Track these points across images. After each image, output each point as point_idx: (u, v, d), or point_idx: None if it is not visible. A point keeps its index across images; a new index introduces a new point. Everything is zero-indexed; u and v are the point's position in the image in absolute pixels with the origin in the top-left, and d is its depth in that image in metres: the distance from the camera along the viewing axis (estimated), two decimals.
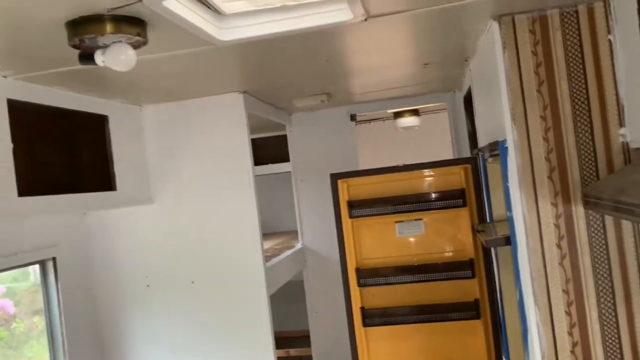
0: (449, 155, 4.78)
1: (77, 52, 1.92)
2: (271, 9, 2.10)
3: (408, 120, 5.32)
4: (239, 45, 2.27)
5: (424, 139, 6.00)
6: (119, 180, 3.20)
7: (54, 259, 3.28)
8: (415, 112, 5.34)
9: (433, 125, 5.69)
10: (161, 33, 1.96)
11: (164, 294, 3.54)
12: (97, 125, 3.19)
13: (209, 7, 2.03)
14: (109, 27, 1.74)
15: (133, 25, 1.79)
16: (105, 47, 1.84)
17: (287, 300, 5.02)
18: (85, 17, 1.73)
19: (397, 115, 5.40)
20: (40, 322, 3.45)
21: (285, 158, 5.09)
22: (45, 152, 2.85)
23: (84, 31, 1.75)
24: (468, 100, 4.12)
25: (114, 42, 1.83)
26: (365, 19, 2.09)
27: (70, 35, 1.78)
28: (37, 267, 3.29)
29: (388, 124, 5.79)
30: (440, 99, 4.58)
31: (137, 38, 1.81)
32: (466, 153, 4.33)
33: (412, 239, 3.50)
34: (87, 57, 1.85)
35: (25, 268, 3.33)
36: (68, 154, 3.18)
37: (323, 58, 2.79)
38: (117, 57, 1.79)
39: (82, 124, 3.18)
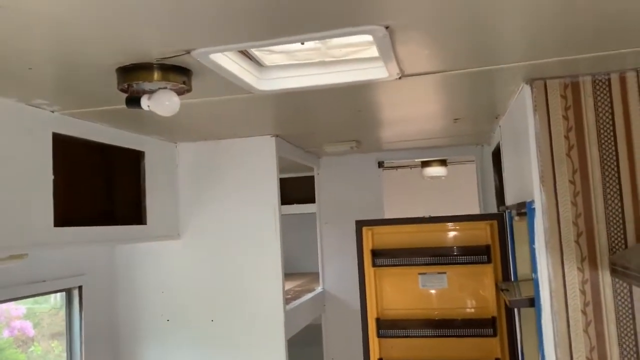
0: (474, 207, 4.77)
1: (123, 93, 2.03)
2: (309, 64, 2.19)
3: (435, 170, 5.34)
4: (274, 95, 2.36)
5: (450, 189, 5.99)
6: (149, 215, 3.28)
7: (80, 287, 3.35)
8: (443, 162, 5.37)
9: (460, 176, 5.69)
10: (204, 81, 2.06)
11: (183, 330, 3.56)
12: (133, 159, 3.30)
13: (250, 59, 2.13)
14: (156, 75, 1.84)
15: (179, 73, 1.88)
16: (151, 92, 1.93)
17: (304, 343, 4.97)
18: (136, 64, 1.83)
19: (425, 164, 5.43)
20: (57, 346, 3.49)
21: (311, 199, 5.14)
22: (82, 184, 2.96)
23: (133, 77, 1.85)
24: (496, 156, 4.14)
25: (160, 89, 1.92)
26: (400, 78, 2.16)
27: (119, 80, 1.88)
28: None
29: (415, 172, 5.82)
30: (468, 152, 4.60)
31: (182, 86, 1.91)
32: (492, 207, 4.31)
33: (434, 292, 3.48)
34: (133, 101, 1.95)
35: None
36: (104, 187, 3.29)
37: (355, 109, 2.86)
38: (162, 103, 1.88)
39: (119, 158, 3.29)
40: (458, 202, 5.20)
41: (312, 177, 4.94)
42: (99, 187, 3.28)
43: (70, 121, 2.65)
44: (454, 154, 4.69)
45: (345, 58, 2.15)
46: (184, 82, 1.89)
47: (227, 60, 1.92)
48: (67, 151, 2.77)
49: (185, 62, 1.86)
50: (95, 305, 3.46)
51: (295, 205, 5.71)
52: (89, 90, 2.22)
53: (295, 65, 2.20)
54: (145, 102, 1.91)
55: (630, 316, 2.23)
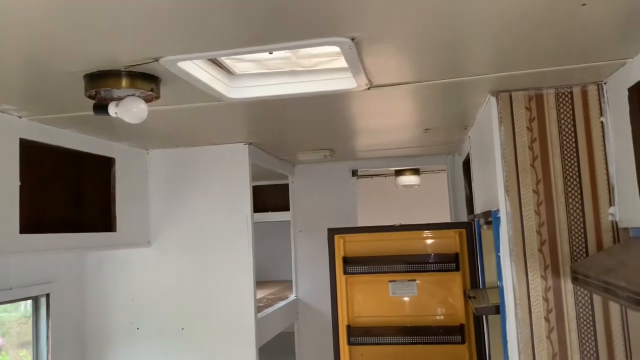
0: (446, 215, 4.83)
1: (91, 101, 2.02)
2: (279, 72, 2.21)
3: (409, 179, 5.40)
4: (246, 103, 2.37)
5: (423, 197, 6.06)
6: (119, 222, 3.25)
7: (47, 295, 3.30)
8: (416, 171, 5.44)
9: (433, 184, 5.76)
10: (173, 88, 2.06)
11: (153, 338, 3.53)
12: (103, 166, 3.27)
13: (220, 67, 2.14)
14: (124, 82, 1.84)
15: (147, 81, 1.89)
16: (119, 99, 1.93)
17: (277, 351, 4.97)
18: (104, 71, 1.83)
19: (398, 172, 5.49)
20: (26, 355, 3.43)
21: (285, 207, 5.15)
22: (49, 190, 2.92)
23: (100, 84, 1.85)
24: (467, 165, 4.21)
25: (128, 95, 1.92)
26: (369, 88, 2.19)
27: (87, 86, 1.88)
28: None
29: (390, 180, 5.87)
30: (440, 161, 4.67)
31: (150, 93, 1.91)
32: (463, 216, 4.38)
33: (405, 300, 3.51)
34: (101, 107, 1.95)
35: None
36: (72, 194, 3.25)
37: (327, 118, 2.89)
38: (130, 110, 1.88)
39: (88, 164, 3.26)
40: (431, 210, 5.27)
41: (287, 185, 4.95)
42: (68, 193, 3.24)
43: (38, 127, 2.62)
44: (426, 163, 4.75)
45: (315, 68, 2.18)
46: (152, 90, 1.90)
47: (196, 68, 1.93)
48: (35, 157, 2.74)
49: (153, 69, 1.86)
50: (63, 314, 3.41)
51: (269, 213, 5.71)
52: (57, 96, 2.20)
53: (265, 74, 2.22)
54: (112, 109, 1.91)
55: (591, 323, 2.29)
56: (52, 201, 3.10)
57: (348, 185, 4.76)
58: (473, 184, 3.52)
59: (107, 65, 1.80)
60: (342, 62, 2.13)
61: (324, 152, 3.87)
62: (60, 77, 1.91)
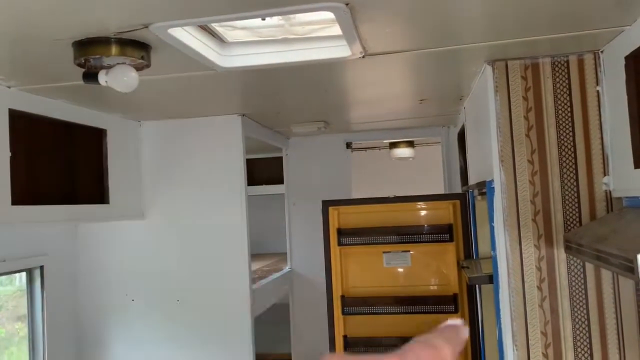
0: (440, 187, 4.84)
1: (81, 69, 1.98)
2: (272, 41, 2.18)
3: (403, 151, 5.39)
4: (239, 72, 2.34)
5: (417, 169, 6.07)
6: (112, 194, 3.23)
7: (41, 267, 3.30)
8: (410, 144, 5.42)
9: (427, 156, 5.76)
10: (164, 57, 2.02)
11: (148, 310, 3.55)
12: (95, 138, 3.23)
13: (212, 35, 2.10)
14: (114, 50, 1.80)
15: (137, 48, 1.85)
16: (109, 67, 1.89)
17: (271, 322, 5.02)
18: (92, 38, 1.79)
19: (393, 145, 5.47)
20: (22, 328, 3.44)
21: (279, 180, 5.14)
22: (41, 162, 2.90)
23: (89, 52, 1.81)
24: (462, 137, 4.20)
25: (118, 64, 1.89)
26: (363, 57, 2.16)
27: (76, 54, 1.84)
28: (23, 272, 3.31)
29: (384, 153, 5.86)
30: (435, 133, 4.66)
31: (141, 61, 1.87)
32: (457, 187, 4.39)
33: (398, 270, 3.53)
34: (90, 76, 1.91)
35: None
36: (64, 165, 3.23)
37: (322, 88, 2.86)
38: (120, 78, 1.85)
39: (80, 136, 3.23)
40: (425, 182, 5.26)
41: (281, 158, 4.93)
42: (61, 165, 3.21)
43: (28, 97, 2.58)
44: (421, 135, 4.74)
45: (308, 36, 2.14)
46: (142, 57, 1.86)
47: (187, 36, 1.89)
48: (26, 129, 2.71)
49: (143, 36, 1.82)
50: (58, 286, 3.42)
51: (263, 186, 5.70)
52: (46, 65, 2.16)
53: (257, 42, 2.18)
54: (102, 77, 1.87)
55: (583, 292, 2.31)
56: (45, 173, 3.07)
57: (342, 158, 4.74)
58: (467, 155, 3.51)
59: (96, 32, 1.76)
60: (336, 30, 2.10)
61: (318, 124, 3.84)
62: (48, 45, 1.87)
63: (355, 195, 4.72)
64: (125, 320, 3.56)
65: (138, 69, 1.91)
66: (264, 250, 5.91)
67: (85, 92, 2.62)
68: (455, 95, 3.25)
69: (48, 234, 3.41)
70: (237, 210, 3.45)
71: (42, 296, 3.31)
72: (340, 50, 2.12)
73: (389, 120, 4.20)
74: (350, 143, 4.72)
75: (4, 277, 3.44)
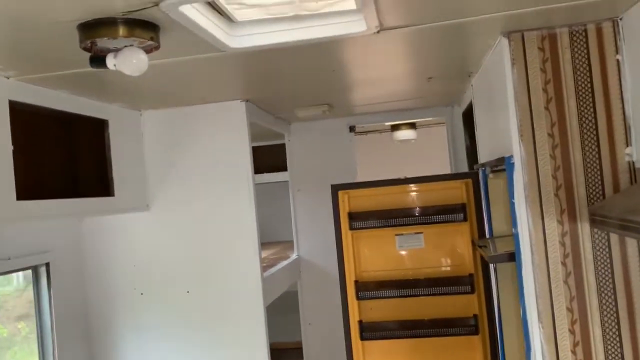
0: (444, 169, 4.79)
1: (85, 55, 1.89)
2: (283, 18, 2.09)
3: (405, 134, 5.33)
4: (246, 53, 2.25)
5: (420, 151, 6.01)
6: (117, 186, 3.15)
7: (47, 264, 3.22)
8: (412, 126, 5.36)
9: (429, 139, 5.71)
10: (173, 38, 1.93)
11: (158, 303, 3.48)
12: (97, 129, 3.15)
13: (221, 14, 2.01)
14: (121, 31, 1.72)
15: (147, 29, 1.76)
16: (116, 50, 1.81)
17: (280, 311, 4.96)
18: (99, 19, 1.70)
19: (395, 128, 5.41)
20: (24, 327, 3.38)
21: (281, 167, 5.06)
22: (44, 156, 2.81)
23: (96, 34, 1.72)
24: (467, 116, 4.14)
25: (126, 46, 1.80)
26: (378, 32, 2.09)
27: (82, 37, 1.75)
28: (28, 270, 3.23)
29: (385, 136, 5.79)
30: (439, 113, 4.59)
31: (150, 42, 1.79)
32: (463, 168, 4.33)
33: (412, 252, 3.48)
34: (98, 60, 1.82)
35: None
36: (67, 158, 3.14)
37: (330, 69, 2.78)
38: (129, 61, 1.76)
39: (81, 128, 3.14)
40: (428, 164, 5.21)
41: (281, 145, 4.86)
42: (63, 158, 3.13)
43: (28, 88, 2.49)
44: (425, 115, 4.67)
45: (320, 11, 2.06)
46: (152, 39, 1.77)
47: (198, 14, 1.81)
48: (27, 121, 2.62)
49: (152, 16, 1.73)
50: (64, 282, 3.34)
51: (264, 175, 5.63)
52: (48, 52, 2.06)
53: (267, 21, 2.10)
54: (110, 60, 1.79)
55: (609, 265, 2.27)
56: (48, 167, 2.99)
57: (346, 142, 4.67)
58: (477, 133, 3.45)
59: (103, 13, 1.67)
60: (349, 4, 2.02)
61: (323, 107, 3.77)
62: (50, 29, 1.78)
63: (360, 179, 4.65)
64: (134, 314, 3.50)
65: (147, 51, 1.83)
66: (269, 239, 5.84)
67: (86, 80, 2.54)
68: (464, 72, 3.18)
69: (52, 230, 3.33)
70: (245, 197, 3.38)
71: (49, 293, 3.23)
72: (354, 26, 2.04)
73: (393, 102, 4.13)
74: (354, 127, 4.64)
75: (2, 278, 3.37)
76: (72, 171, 3.17)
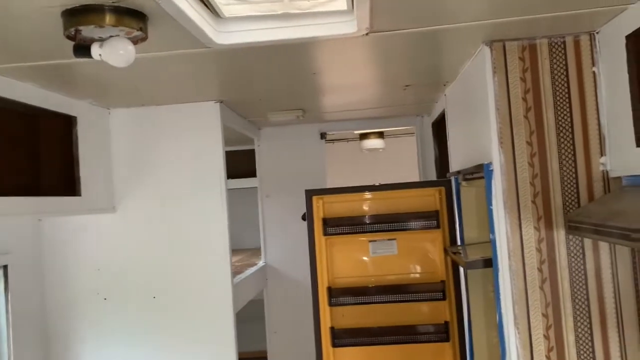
0: (412, 177, 4.83)
1: (65, 45, 1.81)
2: (272, 16, 2.06)
3: (373, 142, 5.37)
4: (229, 51, 2.21)
5: (388, 161, 6.06)
6: (84, 186, 3.02)
7: (4, 267, 3.05)
8: (380, 135, 5.40)
9: (397, 148, 5.76)
10: (158, 31, 1.87)
11: (122, 308, 3.35)
12: (62, 126, 3.01)
13: (209, 9, 1.96)
14: (109, 19, 1.65)
15: (135, 18, 1.69)
16: (101, 40, 1.73)
17: (245, 319, 4.87)
18: (86, 5, 1.62)
19: (363, 136, 5.43)
20: None
21: (245, 174, 4.98)
22: (4, 151, 2.66)
23: (82, 21, 1.64)
24: (437, 126, 4.19)
25: (112, 36, 1.73)
26: (367, 34, 2.08)
27: (66, 24, 1.67)
28: None
29: (352, 145, 5.81)
30: (409, 123, 4.64)
31: (138, 33, 1.72)
32: (432, 176, 4.38)
33: (385, 259, 3.48)
34: (82, 49, 1.74)
35: None
36: (29, 156, 2.99)
37: (311, 71, 2.75)
38: (116, 51, 1.69)
39: (45, 124, 3.00)
40: (396, 173, 5.25)
41: (248, 151, 4.79)
42: (24, 155, 2.97)
43: None
44: (395, 125, 4.71)
45: (310, 11, 2.04)
46: (140, 29, 1.71)
47: (188, 6, 1.75)
48: None
49: (141, 5, 1.67)
50: (23, 286, 3.17)
51: (230, 180, 5.53)
52: (27, 40, 1.95)
53: (255, 18, 2.06)
54: (96, 50, 1.71)
55: (582, 272, 2.32)
56: (8, 164, 2.83)
57: (316, 148, 4.65)
58: (449, 142, 3.50)
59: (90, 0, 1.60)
60: (339, 4, 2.01)
61: (297, 112, 3.74)
62: (34, 16, 1.69)
63: (330, 186, 4.64)
64: (97, 319, 3.35)
65: (134, 42, 1.76)
66: (234, 246, 5.73)
67: (56, 73, 2.44)
68: (440, 81, 3.22)
69: (10, 231, 3.16)
70: (216, 200, 3.31)
71: (5, 297, 3.05)
72: (344, 27, 2.03)
73: (364, 109, 4.14)
74: (325, 133, 4.63)
75: None
76: (35, 168, 3.01)
